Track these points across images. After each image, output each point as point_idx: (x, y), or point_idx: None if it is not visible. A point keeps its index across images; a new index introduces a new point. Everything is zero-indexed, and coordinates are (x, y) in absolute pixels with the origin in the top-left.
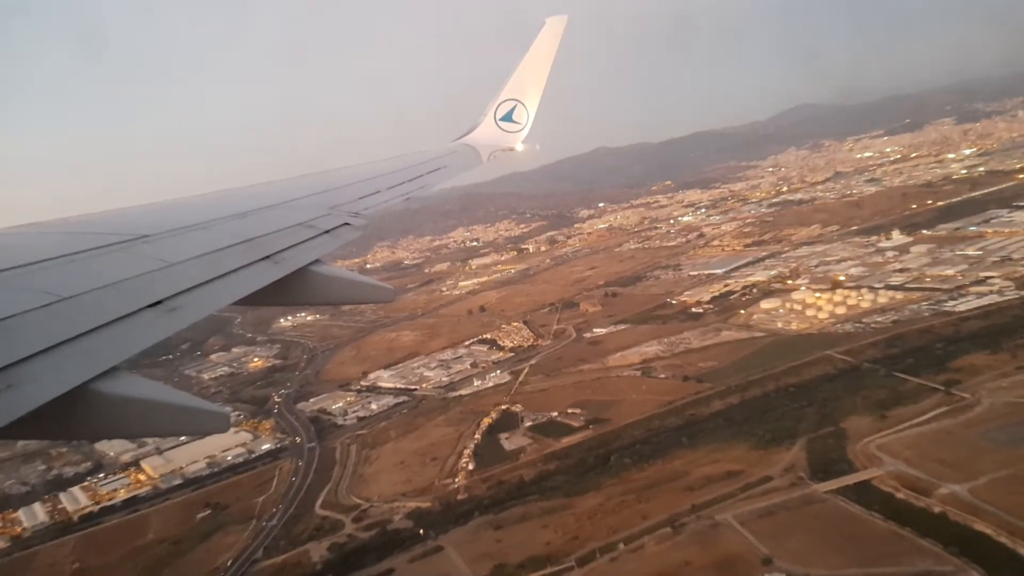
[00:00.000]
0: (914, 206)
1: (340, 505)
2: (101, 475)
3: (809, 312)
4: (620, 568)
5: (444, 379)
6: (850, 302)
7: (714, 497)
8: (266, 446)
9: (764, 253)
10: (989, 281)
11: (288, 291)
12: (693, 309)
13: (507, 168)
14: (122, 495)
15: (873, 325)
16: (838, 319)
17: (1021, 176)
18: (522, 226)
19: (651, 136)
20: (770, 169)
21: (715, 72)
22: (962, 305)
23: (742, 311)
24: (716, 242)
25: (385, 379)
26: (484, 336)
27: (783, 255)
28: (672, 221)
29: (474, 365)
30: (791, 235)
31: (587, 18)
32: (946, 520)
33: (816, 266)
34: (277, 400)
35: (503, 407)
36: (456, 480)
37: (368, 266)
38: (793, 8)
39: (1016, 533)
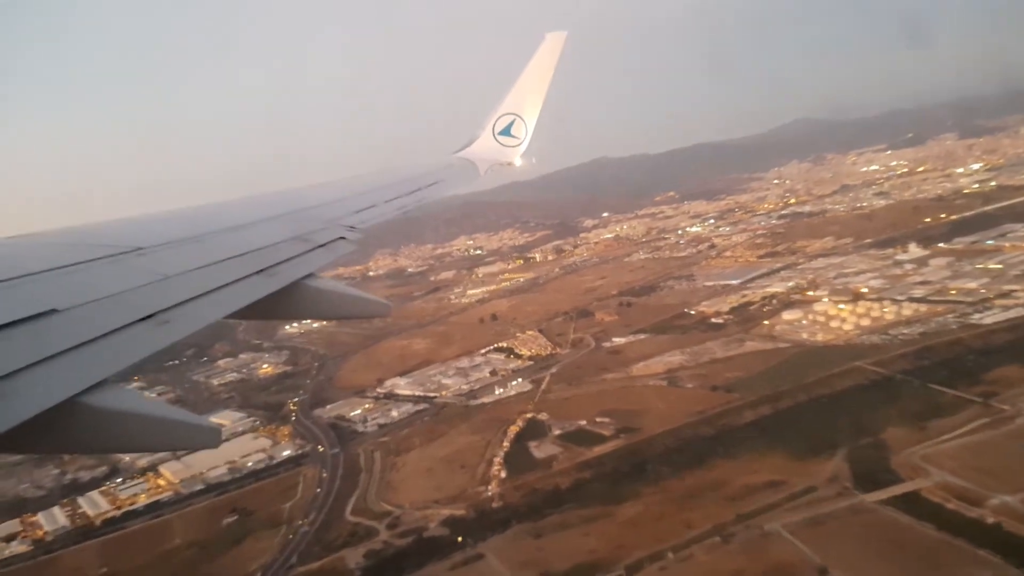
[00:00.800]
0: (927, 219)
1: (371, 511)
2: (119, 480)
3: (833, 323)
4: None
5: (464, 387)
6: (874, 314)
7: (759, 507)
8: (287, 452)
9: (779, 264)
10: (1013, 294)
11: (281, 305)
12: (712, 320)
13: (507, 177)
14: (143, 500)
15: (900, 337)
16: (864, 331)
17: None
18: (526, 235)
19: (650, 147)
20: (775, 181)
21: (714, 85)
22: (989, 318)
23: (765, 322)
24: (728, 253)
25: (402, 386)
26: (500, 344)
27: (798, 267)
28: (680, 232)
29: (493, 373)
30: (804, 247)
31: (588, 29)
32: (1002, 530)
33: (834, 278)
34: (292, 406)
35: (528, 415)
36: (489, 488)
37: (371, 274)
38: (793, 22)
39: None
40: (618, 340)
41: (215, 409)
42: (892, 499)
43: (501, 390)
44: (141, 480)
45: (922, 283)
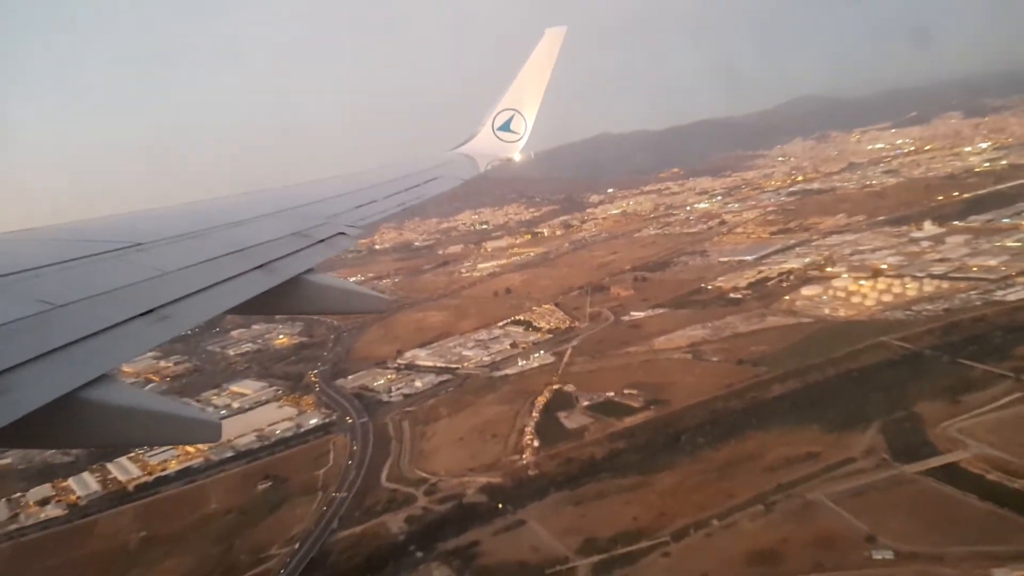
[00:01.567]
0: (940, 197)
1: (406, 479)
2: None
3: (854, 299)
4: (717, 544)
5: (485, 359)
6: (895, 290)
7: (798, 477)
8: (314, 421)
9: (792, 241)
10: None
11: (281, 300)
12: (731, 295)
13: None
14: (174, 466)
15: (924, 313)
16: (886, 307)
17: None
18: (532, 210)
19: (652, 123)
20: (779, 159)
21: (716, 61)
22: (1012, 295)
23: (785, 297)
24: (739, 229)
25: (423, 357)
26: (517, 317)
27: (812, 243)
28: (688, 208)
29: (513, 345)
30: (817, 224)
31: (590, 6)
32: None
33: (850, 255)
34: (314, 377)
35: (554, 387)
36: (523, 456)
37: (377, 247)
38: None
39: None
40: (636, 314)
41: (235, 379)
42: (932, 470)
43: (524, 362)
44: (170, 447)
45: (941, 260)
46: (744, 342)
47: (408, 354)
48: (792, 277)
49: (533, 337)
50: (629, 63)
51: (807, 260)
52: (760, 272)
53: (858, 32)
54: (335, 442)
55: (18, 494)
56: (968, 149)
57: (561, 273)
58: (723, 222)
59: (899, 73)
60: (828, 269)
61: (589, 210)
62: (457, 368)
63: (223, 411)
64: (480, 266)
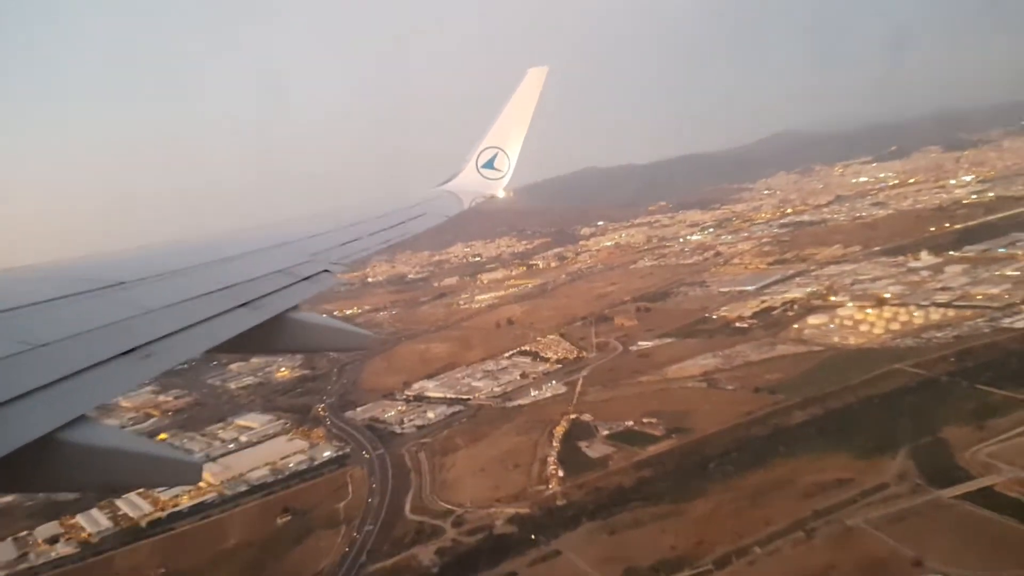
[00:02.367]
0: (932, 228)
1: (431, 510)
2: None
3: (862, 327)
4: (762, 570)
5: (496, 389)
6: (902, 318)
7: (834, 503)
8: (327, 453)
9: (791, 271)
10: None
11: (265, 338)
12: (736, 324)
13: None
14: (187, 501)
15: (935, 340)
16: (895, 334)
17: None
18: (524, 242)
19: (636, 158)
20: (765, 192)
21: (696, 97)
22: (1020, 322)
23: (794, 326)
24: (736, 260)
25: (431, 389)
26: (523, 348)
27: (812, 273)
28: (682, 240)
29: (523, 376)
30: (814, 254)
31: (574, 40)
32: None
33: (851, 284)
34: (322, 409)
35: (571, 416)
36: (550, 486)
37: (370, 280)
38: (776, 34)
39: None
40: (644, 344)
41: (239, 412)
42: (968, 495)
43: (536, 392)
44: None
45: (943, 289)
46: (757, 370)
47: (416, 385)
48: (796, 306)
49: (542, 367)
50: (612, 99)
51: (809, 290)
52: (763, 301)
53: (830, 66)
54: (352, 474)
55: (24, 532)
56: (953, 182)
57: (561, 304)
58: (718, 253)
59: (877, 108)
60: (832, 298)
61: (582, 242)
62: (468, 399)
63: (231, 444)
64: (478, 297)
